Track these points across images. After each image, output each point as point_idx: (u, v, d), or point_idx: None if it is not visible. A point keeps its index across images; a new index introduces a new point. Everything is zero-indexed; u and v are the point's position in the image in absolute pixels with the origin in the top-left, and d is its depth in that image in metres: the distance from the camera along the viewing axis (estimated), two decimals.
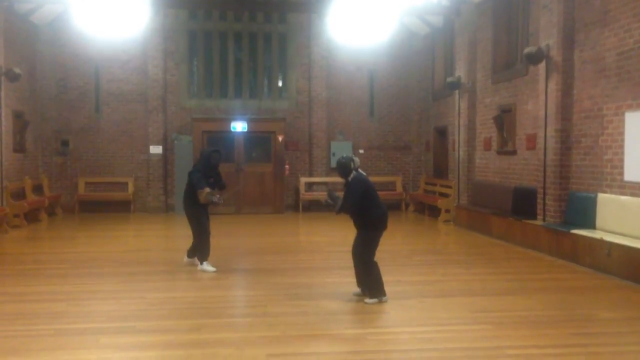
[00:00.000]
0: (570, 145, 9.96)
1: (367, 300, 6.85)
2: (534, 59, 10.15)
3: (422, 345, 5.39)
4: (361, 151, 17.77)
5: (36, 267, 9.14)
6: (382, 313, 6.48)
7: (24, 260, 9.72)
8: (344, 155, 7.18)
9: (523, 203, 11.08)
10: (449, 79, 14.25)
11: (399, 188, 17.63)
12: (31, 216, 14.36)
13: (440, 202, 14.75)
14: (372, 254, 6.92)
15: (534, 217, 10.64)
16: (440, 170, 16.51)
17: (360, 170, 6.94)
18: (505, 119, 12.32)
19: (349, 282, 7.91)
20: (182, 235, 11.67)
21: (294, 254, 10.53)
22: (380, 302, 6.80)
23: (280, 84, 17.86)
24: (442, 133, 16.36)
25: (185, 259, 9.19)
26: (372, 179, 16.92)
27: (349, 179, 6.86)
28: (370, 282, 6.87)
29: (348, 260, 9.50)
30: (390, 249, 10.74)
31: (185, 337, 5.68)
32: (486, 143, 13.25)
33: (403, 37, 17.08)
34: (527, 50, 10.24)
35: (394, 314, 6.42)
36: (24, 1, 13.92)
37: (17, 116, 14.38)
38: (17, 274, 8.60)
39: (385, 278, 8.07)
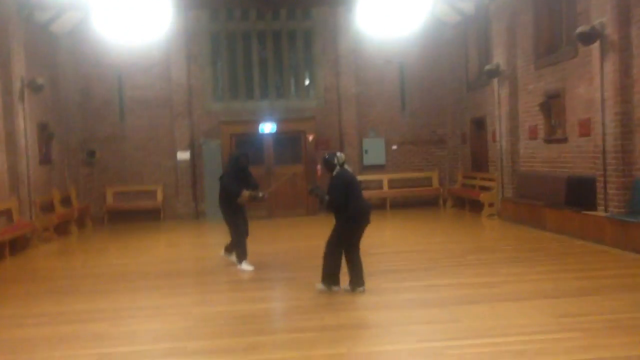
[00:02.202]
0: (632, 128, 9.23)
1: (318, 285, 7.18)
2: (587, 39, 9.46)
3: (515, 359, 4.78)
4: (394, 147, 17.18)
5: (71, 283, 8.67)
6: (454, 322, 5.85)
7: (57, 276, 9.28)
8: (329, 152, 7.45)
9: (579, 193, 10.38)
10: (487, 67, 13.56)
11: (436, 183, 16.98)
12: (61, 229, 13.98)
13: (483, 196, 14.06)
14: (342, 245, 7.10)
15: (594, 207, 9.93)
16: (479, 163, 15.83)
17: (346, 167, 7.14)
18: (552, 105, 11.63)
19: (406, 287, 7.36)
20: (216, 243, 11.30)
21: None
22: (331, 291, 7.08)
23: (307, 82, 17.32)
24: (479, 124, 15.67)
25: (222, 253, 9.43)
26: (407, 174, 16.73)
27: (333, 174, 7.07)
28: (326, 269, 7.09)
29: (397, 263, 9.01)
30: (440, 248, 10.21)
31: (244, 358, 5.13)
32: (531, 132, 12.54)
33: (433, 27, 16.33)
34: (579, 30, 9.53)
35: (468, 323, 5.78)
36: (44, 9, 13.52)
37: (42, 128, 14.00)
38: (53, 291, 8.15)
39: (444, 280, 7.62)
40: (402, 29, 14.60)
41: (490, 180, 14.42)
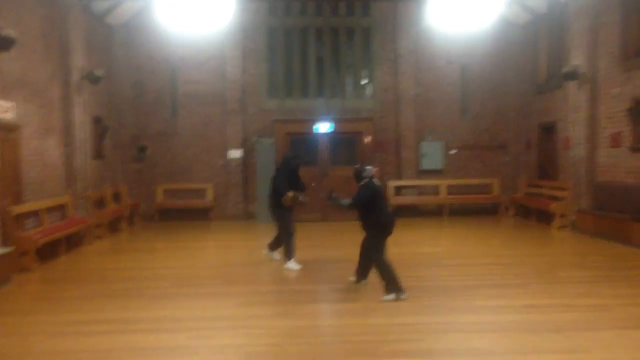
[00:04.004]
0: None
1: (384, 297, 7.08)
2: None
3: None
4: (453, 151, 16.41)
5: (132, 286, 8.17)
6: (583, 352, 5.13)
7: (117, 278, 8.78)
8: (358, 165, 7.77)
9: None
10: (564, 69, 12.73)
11: (496, 191, 16.15)
12: (111, 226, 13.57)
13: (555, 206, 13.20)
14: (382, 252, 7.30)
15: None
16: (546, 171, 14.98)
17: (373, 179, 7.54)
18: None
19: (504, 307, 6.66)
20: None
21: (410, 268, 8.97)
22: (398, 299, 7.02)
23: (364, 81, 16.69)
24: (548, 130, 14.82)
25: (265, 251, 9.88)
26: (466, 180, 15.92)
27: (361, 184, 7.48)
28: (386, 279, 7.15)
29: (481, 277, 8.29)
30: (521, 262, 9.45)
31: None
32: (614, 139, 11.69)
33: (499, 27, 15.51)
34: None
35: (600, 355, 5.07)
36: None
37: (97, 121, 13.63)
38: (115, 294, 7.65)
39: (544, 300, 6.93)
40: (466, 29, 13.91)
41: (561, 189, 13.56)
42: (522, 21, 15.61)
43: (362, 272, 7.82)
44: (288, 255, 9.18)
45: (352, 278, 7.92)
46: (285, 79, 16.39)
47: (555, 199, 13.74)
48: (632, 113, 10.97)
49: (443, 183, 16.19)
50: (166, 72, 15.99)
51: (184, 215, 15.85)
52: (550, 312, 6.37)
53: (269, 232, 13.48)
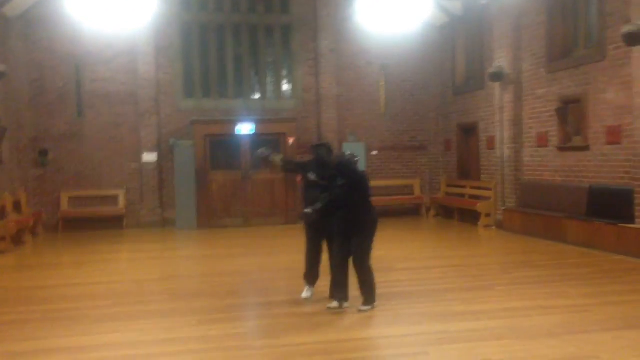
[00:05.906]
0: None
1: (362, 307, 6.52)
2: (633, 40, 8.93)
3: None
4: (374, 152, 16.33)
5: (68, 306, 7.20)
6: (594, 358, 4.97)
7: (44, 298, 7.70)
8: (347, 152, 6.80)
9: (609, 204, 9.91)
10: (490, 70, 12.98)
11: (418, 192, 16.27)
12: (13, 239, 12.11)
13: (480, 206, 13.43)
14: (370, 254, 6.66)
15: (630, 220, 9.42)
16: (467, 171, 15.26)
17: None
18: (571, 110, 11.14)
19: (482, 312, 6.44)
20: (207, 255, 11.28)
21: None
22: (373, 308, 6.53)
23: (285, 81, 16.21)
24: (468, 131, 15.10)
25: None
26: (387, 182, 15.87)
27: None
28: (370, 288, 6.57)
29: (440, 281, 8.08)
30: (469, 263, 9.48)
31: None
32: (540, 139, 12.04)
33: (417, 29, 15.51)
34: (625, 30, 8.97)
35: (615, 358, 4.95)
36: None
37: None
38: (51, 317, 6.67)
39: (517, 303, 6.91)
40: (387, 30, 13.88)
41: (485, 189, 13.82)
42: (439, 23, 15.80)
43: (341, 291, 6.63)
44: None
45: (333, 304, 6.61)
46: (202, 78, 15.56)
47: (477, 198, 13.98)
48: (560, 113, 11.32)
49: None
50: (70, 68, 14.63)
51: (93, 224, 14.56)
52: (533, 315, 6.21)
53: (189, 240, 12.85)
